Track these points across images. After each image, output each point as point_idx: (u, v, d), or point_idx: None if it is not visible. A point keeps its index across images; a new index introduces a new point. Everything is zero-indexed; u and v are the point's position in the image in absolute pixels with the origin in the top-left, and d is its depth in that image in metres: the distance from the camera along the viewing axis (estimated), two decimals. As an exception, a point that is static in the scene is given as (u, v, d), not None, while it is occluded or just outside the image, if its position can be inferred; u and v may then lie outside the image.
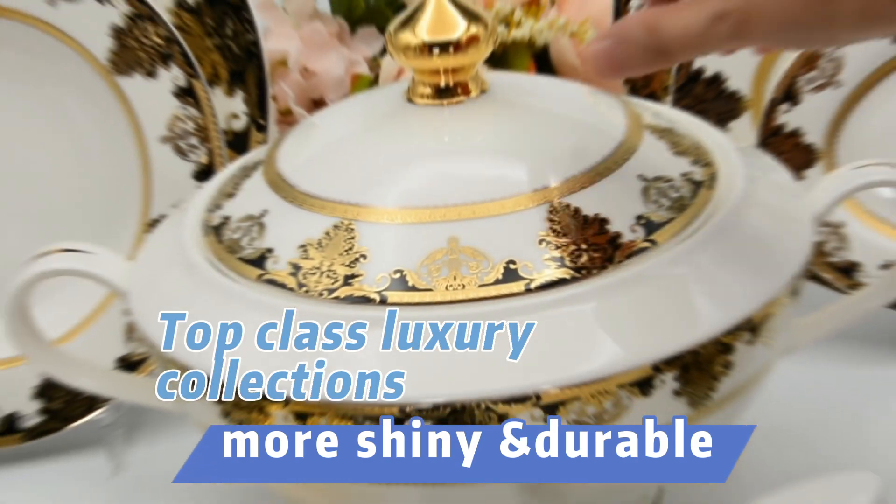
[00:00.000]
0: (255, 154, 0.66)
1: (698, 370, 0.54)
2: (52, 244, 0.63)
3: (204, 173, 0.74)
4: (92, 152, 0.75)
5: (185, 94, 0.74)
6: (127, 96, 0.74)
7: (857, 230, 0.75)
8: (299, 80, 0.83)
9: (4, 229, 0.75)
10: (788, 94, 0.74)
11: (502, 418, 0.52)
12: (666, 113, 0.65)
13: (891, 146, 0.74)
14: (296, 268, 0.55)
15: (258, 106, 0.78)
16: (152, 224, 0.74)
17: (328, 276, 0.54)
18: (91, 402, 0.74)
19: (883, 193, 0.75)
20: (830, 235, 0.75)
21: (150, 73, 0.74)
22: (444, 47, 0.58)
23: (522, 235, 0.55)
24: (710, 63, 0.77)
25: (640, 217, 0.56)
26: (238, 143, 0.77)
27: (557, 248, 0.54)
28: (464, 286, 0.53)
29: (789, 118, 0.74)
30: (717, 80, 0.77)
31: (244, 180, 0.62)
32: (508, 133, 0.59)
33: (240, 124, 0.77)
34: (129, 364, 0.74)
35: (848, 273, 0.75)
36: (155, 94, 0.74)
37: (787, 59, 0.75)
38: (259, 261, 0.56)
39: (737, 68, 0.76)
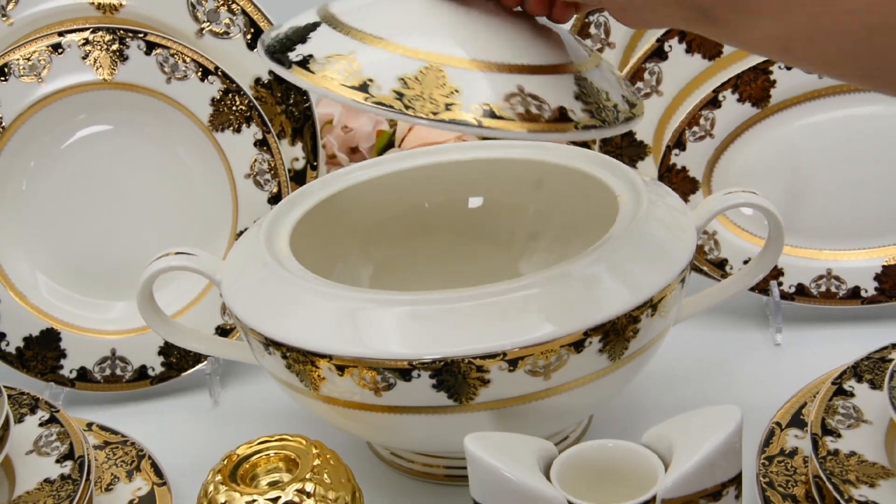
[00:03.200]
0: None
1: (615, 335, 0.54)
2: (169, 249, 0.63)
3: (275, 199, 0.74)
4: (198, 185, 0.74)
5: (262, 144, 0.74)
6: (221, 146, 0.74)
7: (727, 236, 0.75)
8: (341, 134, 0.83)
9: (138, 239, 0.74)
10: (679, 143, 0.73)
11: (480, 369, 0.52)
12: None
13: (749, 179, 0.74)
14: (399, 94, 0.49)
15: (312, 152, 0.77)
16: (239, 234, 0.74)
17: (431, 103, 0.49)
18: (197, 358, 0.74)
19: (745, 211, 0.75)
20: (708, 240, 0.75)
21: (238, 130, 0.74)
22: None
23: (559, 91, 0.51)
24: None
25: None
26: (298, 178, 0.77)
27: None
28: (535, 119, 0.49)
29: (679, 159, 0.74)
30: (630, 133, 0.76)
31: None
32: (501, 22, 0.53)
33: (299, 165, 0.77)
34: (223, 331, 0.74)
35: (720, 266, 0.75)
36: (241, 144, 0.74)
37: (678, 118, 0.75)
38: (363, 87, 0.49)
39: (643, 126, 0.76)
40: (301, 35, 0.52)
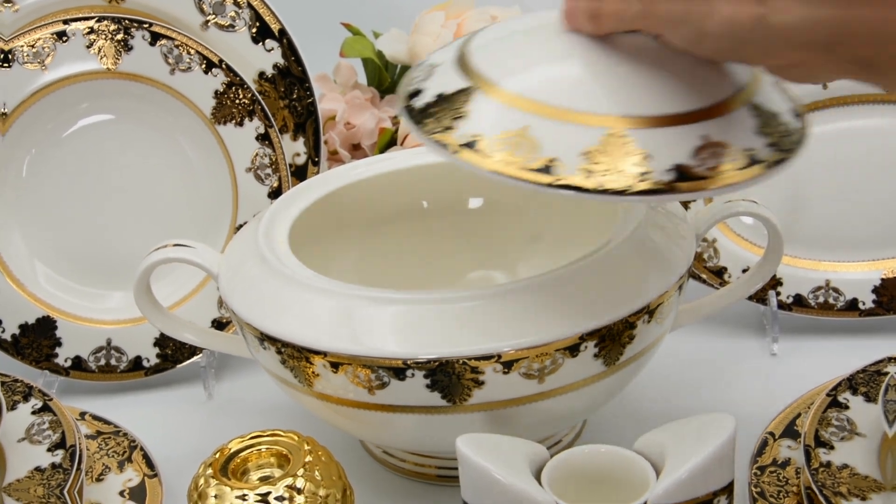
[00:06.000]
0: None
1: (611, 340, 0.54)
2: (168, 240, 0.63)
3: (275, 194, 0.74)
4: (198, 177, 0.74)
5: (264, 138, 0.74)
6: (223, 139, 0.73)
7: (726, 244, 0.75)
8: (343, 130, 0.83)
9: (137, 230, 0.74)
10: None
11: (475, 370, 0.52)
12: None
13: (750, 188, 0.73)
14: (588, 172, 0.45)
15: (314, 148, 0.77)
16: (238, 228, 0.74)
17: (622, 176, 0.45)
18: (192, 350, 0.74)
19: (745, 220, 0.74)
20: (707, 248, 0.75)
21: (240, 124, 0.73)
22: None
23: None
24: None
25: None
26: (299, 173, 0.77)
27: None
28: (726, 171, 0.46)
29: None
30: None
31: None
32: (659, 61, 0.49)
33: (301, 160, 0.77)
34: (219, 324, 0.74)
35: (719, 275, 0.74)
36: (243, 138, 0.74)
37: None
38: (546, 169, 0.46)
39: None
40: (456, 108, 0.48)
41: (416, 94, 0.50)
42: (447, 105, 0.48)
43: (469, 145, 0.47)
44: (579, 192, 0.45)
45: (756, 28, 0.40)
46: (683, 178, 0.45)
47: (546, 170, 0.45)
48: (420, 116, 0.48)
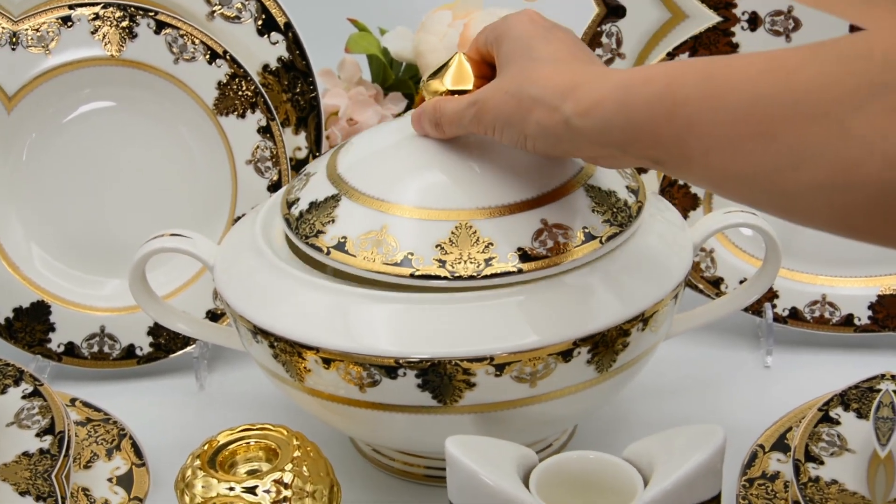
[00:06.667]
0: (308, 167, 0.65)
1: (604, 346, 0.54)
2: (165, 230, 0.63)
3: (274, 187, 0.74)
4: (198, 167, 0.74)
5: (265, 131, 0.74)
6: (224, 130, 0.73)
7: (724, 255, 0.75)
8: (345, 126, 0.83)
9: (135, 218, 0.74)
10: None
11: (466, 372, 0.52)
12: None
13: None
14: (441, 262, 0.53)
15: (315, 143, 0.77)
16: (236, 220, 0.74)
17: (472, 263, 0.52)
18: (186, 341, 0.74)
19: (744, 231, 0.74)
20: (705, 258, 0.74)
21: (242, 115, 0.73)
22: (460, 93, 0.55)
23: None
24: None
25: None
26: (299, 167, 0.77)
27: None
28: (565, 249, 0.53)
29: (682, 175, 0.74)
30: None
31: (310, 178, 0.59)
32: (501, 157, 0.55)
33: (301, 154, 0.77)
34: (214, 316, 0.74)
35: (715, 285, 0.74)
36: (244, 130, 0.73)
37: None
38: (406, 262, 0.53)
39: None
40: (327, 214, 0.55)
41: (294, 202, 0.57)
42: (318, 211, 0.56)
43: (338, 247, 0.54)
44: (436, 280, 0.52)
45: (563, 130, 0.47)
46: (526, 260, 0.52)
47: (405, 263, 0.52)
48: (297, 223, 0.56)
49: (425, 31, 0.84)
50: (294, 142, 0.77)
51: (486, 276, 0.52)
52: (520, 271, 0.52)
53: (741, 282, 0.74)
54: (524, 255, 0.52)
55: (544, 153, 0.51)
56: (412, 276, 0.52)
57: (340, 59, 0.84)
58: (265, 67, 0.76)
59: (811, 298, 0.74)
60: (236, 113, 0.73)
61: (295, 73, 0.76)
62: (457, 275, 0.52)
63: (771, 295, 0.74)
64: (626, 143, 0.45)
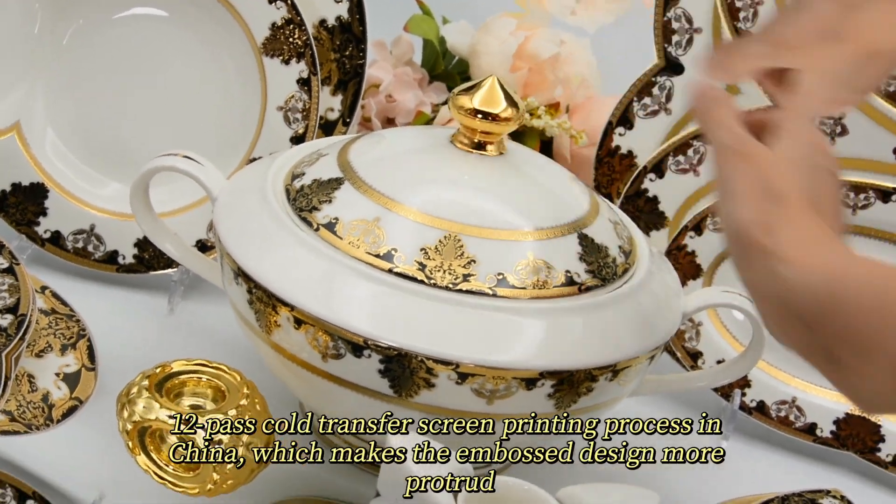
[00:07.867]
0: (330, 141, 0.65)
1: (569, 385, 0.53)
2: (180, 150, 0.62)
3: (298, 140, 0.74)
4: (231, 100, 0.74)
5: (304, 83, 0.74)
6: (266, 71, 0.73)
7: (710, 331, 0.74)
8: (383, 101, 0.83)
9: (155, 130, 0.74)
10: (697, 227, 0.73)
11: (430, 371, 0.52)
12: (616, 211, 0.65)
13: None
14: (421, 265, 0.53)
15: (349, 108, 0.77)
16: (251, 160, 0.74)
17: (450, 273, 0.53)
18: (168, 262, 0.74)
19: (736, 315, 0.74)
20: (691, 328, 0.74)
21: (286, 62, 0.73)
22: (487, 116, 0.57)
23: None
24: (653, 188, 0.76)
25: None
26: (327, 128, 0.77)
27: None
28: (543, 286, 0.54)
29: (693, 243, 0.73)
30: (654, 200, 0.76)
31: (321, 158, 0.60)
32: (508, 185, 0.58)
33: (333, 116, 0.77)
34: (203, 247, 0.74)
35: (693, 357, 0.74)
36: (285, 76, 0.73)
37: (705, 203, 0.74)
38: (387, 257, 0.54)
39: (670, 197, 0.75)
40: (327, 193, 0.56)
41: (299, 176, 0.58)
42: (319, 189, 0.56)
43: (328, 226, 0.55)
44: (412, 281, 0.52)
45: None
46: (503, 286, 0.53)
47: (387, 257, 0.53)
48: (296, 195, 0.57)
49: (486, 33, 0.84)
50: (329, 102, 0.76)
51: (460, 291, 0.52)
52: (494, 295, 0.53)
53: (718, 362, 0.74)
54: (502, 281, 0.53)
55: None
56: (391, 271, 0.53)
57: (397, 36, 0.84)
58: (322, 22, 0.75)
59: (781, 398, 0.74)
60: (282, 58, 0.73)
61: (349, 35, 0.76)
62: (433, 282, 0.53)
63: (744, 383, 0.74)
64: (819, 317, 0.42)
